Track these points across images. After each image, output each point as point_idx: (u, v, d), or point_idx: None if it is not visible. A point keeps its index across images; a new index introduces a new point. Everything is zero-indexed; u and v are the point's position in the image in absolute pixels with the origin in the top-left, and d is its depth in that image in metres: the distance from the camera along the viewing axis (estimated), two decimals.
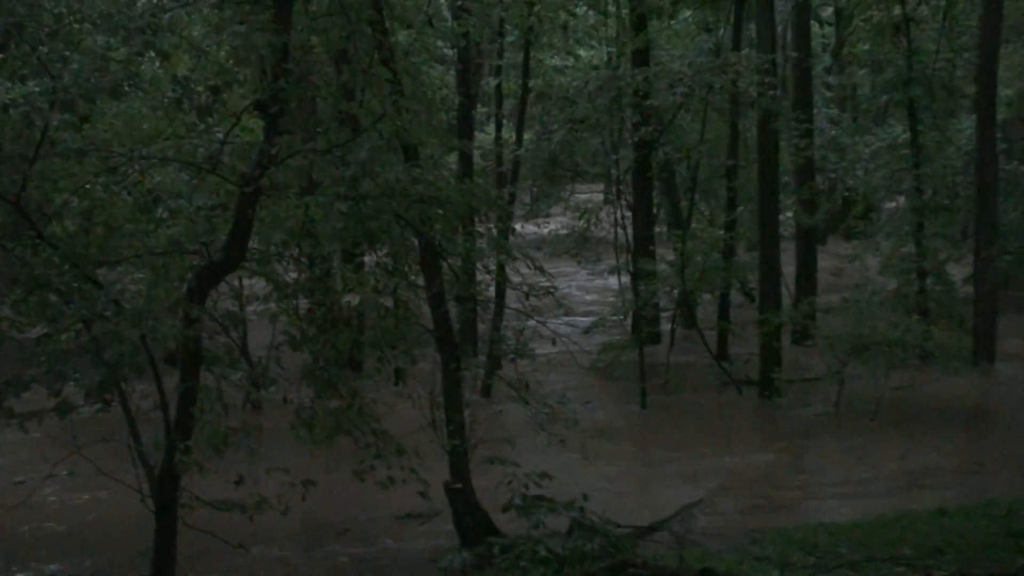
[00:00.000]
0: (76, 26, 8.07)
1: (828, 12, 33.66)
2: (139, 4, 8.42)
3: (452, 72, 24.18)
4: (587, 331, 21.24)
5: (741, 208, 21.87)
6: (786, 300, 21.33)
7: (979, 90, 20.86)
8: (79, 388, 7.64)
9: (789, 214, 23.31)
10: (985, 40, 20.47)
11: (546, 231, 27.99)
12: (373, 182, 7.78)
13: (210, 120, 8.82)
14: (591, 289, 28.11)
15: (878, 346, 17.38)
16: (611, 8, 25.33)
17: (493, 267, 11.43)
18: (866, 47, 29.41)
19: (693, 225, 22.67)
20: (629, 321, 22.10)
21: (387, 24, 10.41)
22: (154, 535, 8.49)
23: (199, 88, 8.63)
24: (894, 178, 24.53)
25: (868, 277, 22.19)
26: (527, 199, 28.84)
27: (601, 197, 32.42)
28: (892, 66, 23.48)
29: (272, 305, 8.74)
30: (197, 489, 8.65)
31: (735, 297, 23.20)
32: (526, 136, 22.80)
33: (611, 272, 24.66)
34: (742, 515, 12.63)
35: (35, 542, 12.04)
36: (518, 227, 17.80)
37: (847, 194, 30.71)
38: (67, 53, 7.79)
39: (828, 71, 33.37)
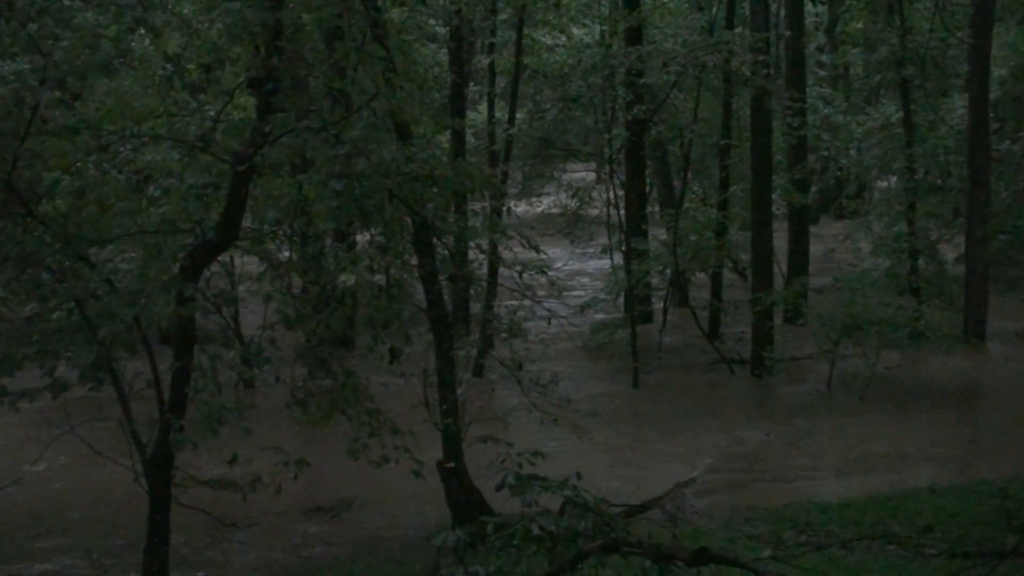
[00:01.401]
0: (66, 2, 8.00)
1: None
2: None
3: (444, 50, 24.06)
4: (580, 310, 21.26)
5: (734, 187, 21.87)
6: (778, 279, 21.36)
7: (972, 69, 20.84)
8: (72, 367, 7.61)
9: (781, 193, 23.27)
10: (978, 19, 20.44)
11: (538, 210, 27.98)
12: (367, 160, 7.74)
13: (202, 98, 8.76)
14: (583, 269, 28.11)
15: (870, 325, 17.43)
16: None
17: (486, 246, 11.41)
18: (859, 25, 29.35)
19: (686, 204, 22.65)
20: (621, 300, 22.11)
21: (380, 1, 10.35)
22: (148, 514, 8.49)
23: (191, 66, 8.56)
24: (886, 158, 24.56)
25: (860, 257, 22.24)
26: (519, 178, 28.77)
27: (593, 176, 32.37)
28: (885, 45, 23.44)
29: (266, 284, 8.71)
30: (188, 469, 8.65)
31: (727, 276, 23.23)
32: (519, 115, 22.71)
33: (603, 251, 24.64)
34: (734, 494, 12.69)
35: (28, 522, 12.04)
36: (512, 206, 17.78)
37: (839, 173, 30.75)
38: (57, 30, 7.72)
39: (821, 50, 33.31)
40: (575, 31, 26.94)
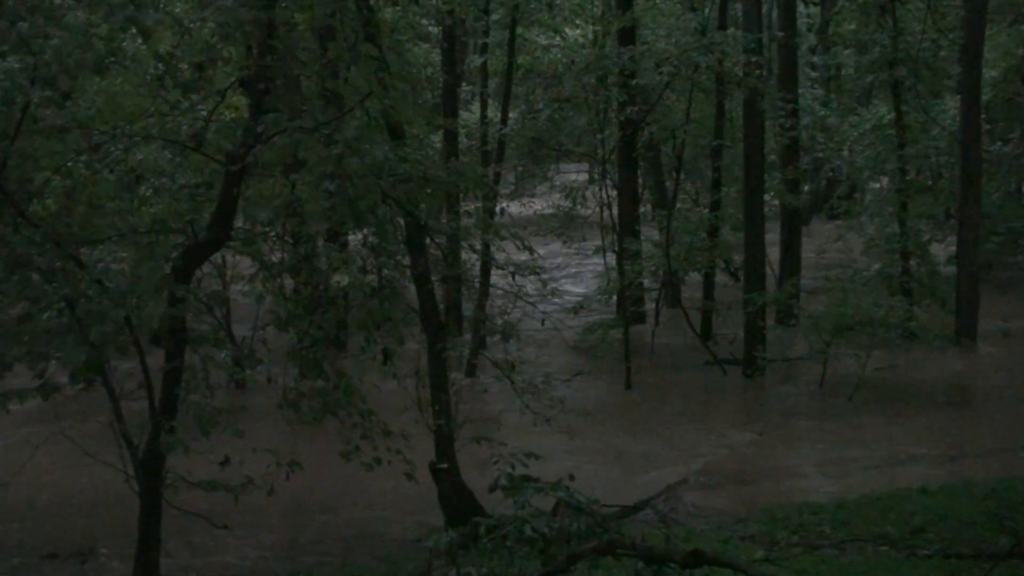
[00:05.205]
0: (57, 1, 7.96)
1: None
2: None
3: (437, 50, 24.02)
4: (574, 311, 21.22)
5: (726, 188, 21.86)
6: (770, 280, 21.35)
7: (964, 71, 20.87)
8: (63, 367, 7.57)
9: (774, 194, 23.29)
10: (970, 20, 20.47)
11: (531, 211, 27.96)
12: (360, 161, 7.72)
13: (194, 97, 8.72)
14: (576, 270, 28.09)
15: (861, 326, 17.44)
16: None
17: (479, 246, 11.40)
18: (851, 27, 29.36)
19: (678, 205, 22.65)
20: (614, 301, 22.10)
21: (372, 0, 10.31)
22: (139, 515, 8.45)
23: (183, 65, 8.52)
24: (879, 159, 24.57)
25: (852, 257, 22.24)
26: (511, 178, 28.75)
27: (586, 177, 32.35)
28: (877, 46, 23.47)
29: (258, 285, 8.67)
30: (179, 470, 8.60)
31: (720, 277, 23.22)
32: (512, 115, 22.68)
33: (596, 252, 24.64)
34: (726, 494, 12.68)
35: (17, 524, 11.97)
36: (505, 206, 17.75)
37: (831, 174, 30.77)
38: (48, 29, 7.67)
39: (813, 51, 33.32)
40: (568, 31, 26.93)
